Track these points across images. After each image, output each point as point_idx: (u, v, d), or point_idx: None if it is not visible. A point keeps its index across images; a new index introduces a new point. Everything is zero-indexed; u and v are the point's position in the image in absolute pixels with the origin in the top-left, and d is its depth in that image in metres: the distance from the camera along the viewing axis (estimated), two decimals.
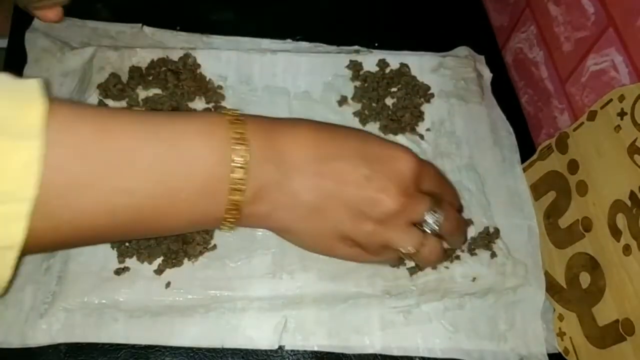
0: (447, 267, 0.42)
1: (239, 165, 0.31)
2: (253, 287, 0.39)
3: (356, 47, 0.55)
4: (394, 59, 0.52)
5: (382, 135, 0.48)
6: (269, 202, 0.34)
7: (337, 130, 0.37)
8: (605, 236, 0.39)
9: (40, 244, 0.28)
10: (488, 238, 0.43)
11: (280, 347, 0.40)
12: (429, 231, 0.37)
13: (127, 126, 0.29)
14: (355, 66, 0.51)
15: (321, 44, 0.55)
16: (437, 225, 0.37)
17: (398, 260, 0.40)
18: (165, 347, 0.39)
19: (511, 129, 0.52)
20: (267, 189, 0.33)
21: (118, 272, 0.38)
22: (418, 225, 0.37)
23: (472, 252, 0.43)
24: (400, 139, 0.48)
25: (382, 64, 0.52)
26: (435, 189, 0.38)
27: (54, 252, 0.39)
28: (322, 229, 0.35)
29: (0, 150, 0.24)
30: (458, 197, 0.42)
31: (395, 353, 0.41)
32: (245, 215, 0.33)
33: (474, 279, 0.42)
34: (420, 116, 0.49)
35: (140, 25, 0.52)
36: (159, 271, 0.39)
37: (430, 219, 0.36)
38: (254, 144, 0.32)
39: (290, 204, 0.34)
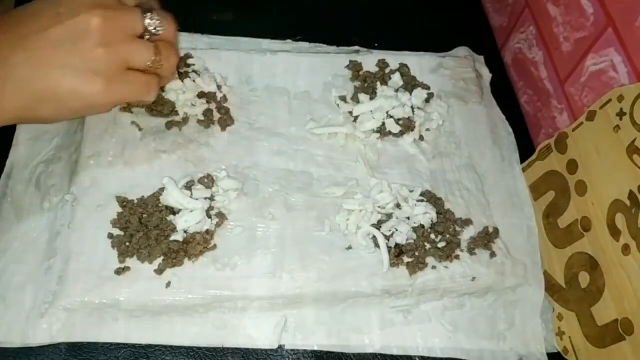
0: (447, 267, 0.42)
1: None
2: (253, 287, 0.39)
3: (356, 48, 0.55)
4: (394, 59, 0.52)
5: (380, 135, 0.48)
6: None
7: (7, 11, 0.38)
8: (604, 236, 0.39)
9: None
10: (487, 238, 0.43)
11: (281, 347, 0.40)
12: (152, 35, 0.39)
13: None
14: (355, 66, 0.51)
15: (321, 44, 0.55)
16: (160, 28, 0.39)
17: (149, 88, 0.40)
18: (165, 347, 0.39)
19: (510, 129, 0.52)
20: None
21: (118, 271, 0.38)
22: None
23: (471, 252, 0.43)
24: (400, 139, 0.48)
25: (382, 64, 0.52)
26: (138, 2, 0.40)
27: (55, 252, 0.39)
28: (58, 77, 0.36)
29: None
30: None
31: (395, 352, 0.41)
32: None
33: (473, 279, 0.42)
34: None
35: None
36: (159, 271, 0.39)
37: (149, 24, 0.39)
38: None
39: (10, 72, 0.35)
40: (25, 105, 0.36)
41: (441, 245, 0.42)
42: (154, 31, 0.39)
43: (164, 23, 0.40)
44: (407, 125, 0.47)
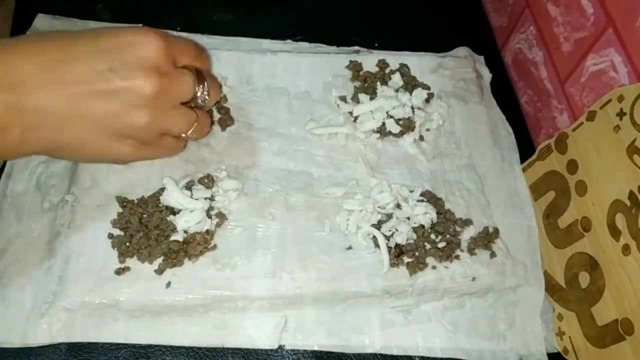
0: (447, 267, 0.42)
1: None
2: (253, 287, 0.39)
3: (356, 48, 0.55)
4: (394, 59, 0.52)
5: (380, 135, 0.48)
6: (14, 126, 0.32)
7: (65, 34, 0.35)
8: (604, 236, 0.39)
9: None
10: (487, 238, 0.43)
11: (281, 347, 0.40)
12: (197, 105, 0.39)
13: None
14: (355, 66, 0.51)
15: (321, 44, 0.55)
16: (207, 98, 0.38)
17: (174, 151, 0.41)
18: (165, 347, 0.39)
19: (510, 129, 0.52)
20: (4, 115, 0.31)
21: (118, 271, 0.38)
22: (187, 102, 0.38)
23: (471, 252, 0.43)
24: (400, 139, 0.48)
25: (382, 64, 0.52)
26: (192, 61, 0.38)
27: (55, 252, 0.39)
28: (89, 134, 0.34)
29: None
30: (209, 59, 0.42)
31: (395, 353, 0.41)
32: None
33: (473, 279, 0.42)
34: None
35: (140, 25, 0.53)
36: (159, 271, 0.39)
37: (199, 96, 0.38)
38: None
39: (38, 121, 0.32)
40: (45, 149, 0.35)
41: (441, 245, 0.42)
42: (200, 103, 0.38)
43: (212, 93, 0.39)
44: (407, 125, 0.47)
